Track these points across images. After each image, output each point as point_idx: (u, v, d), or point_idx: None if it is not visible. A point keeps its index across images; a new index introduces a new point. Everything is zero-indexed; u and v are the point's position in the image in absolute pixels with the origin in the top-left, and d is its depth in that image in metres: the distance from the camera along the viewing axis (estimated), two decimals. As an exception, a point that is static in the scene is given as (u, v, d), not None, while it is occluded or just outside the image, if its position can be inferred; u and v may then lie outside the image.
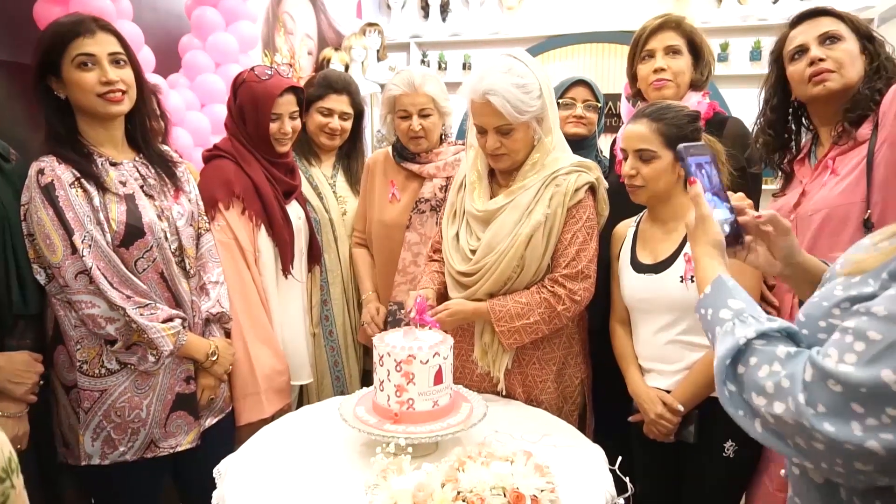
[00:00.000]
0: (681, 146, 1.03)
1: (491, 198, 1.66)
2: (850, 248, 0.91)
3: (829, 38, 1.48)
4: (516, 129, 1.55)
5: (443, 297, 1.73)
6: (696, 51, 1.86)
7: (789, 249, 1.02)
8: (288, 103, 1.82)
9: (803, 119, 1.63)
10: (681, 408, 1.52)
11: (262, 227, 1.81)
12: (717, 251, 0.95)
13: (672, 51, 1.83)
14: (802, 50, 1.51)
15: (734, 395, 0.79)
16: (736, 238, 1.01)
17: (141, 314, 1.43)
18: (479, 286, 1.61)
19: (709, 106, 1.84)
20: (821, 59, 1.47)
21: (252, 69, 1.82)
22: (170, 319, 1.48)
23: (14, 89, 2.13)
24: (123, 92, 1.44)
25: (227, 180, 1.77)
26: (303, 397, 2.11)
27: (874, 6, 3.80)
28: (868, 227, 1.38)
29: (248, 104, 1.79)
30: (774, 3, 4.05)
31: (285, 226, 1.83)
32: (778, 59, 1.59)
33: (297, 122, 1.88)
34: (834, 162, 1.49)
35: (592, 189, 1.64)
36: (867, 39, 1.50)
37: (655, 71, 1.83)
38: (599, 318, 1.78)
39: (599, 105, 2.19)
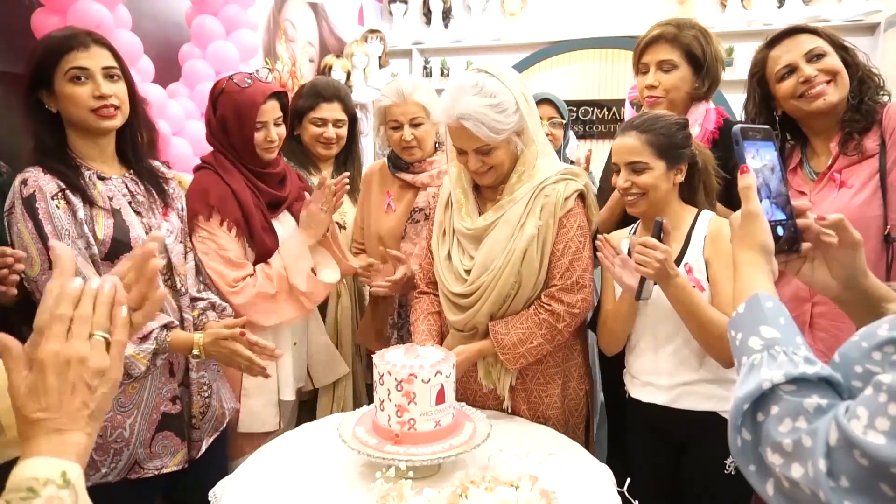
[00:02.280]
0: (737, 127, 0.85)
1: (479, 213, 1.62)
2: None
3: (815, 56, 1.53)
4: (497, 146, 1.52)
5: (442, 337, 1.70)
6: (696, 62, 1.78)
7: (853, 269, 0.85)
8: (272, 110, 1.75)
9: (786, 133, 1.71)
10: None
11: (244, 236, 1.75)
12: (763, 258, 0.79)
13: (664, 66, 1.78)
14: (792, 69, 1.55)
15: (747, 445, 0.67)
16: (791, 244, 0.84)
17: None
18: (478, 307, 1.57)
19: (717, 114, 1.81)
20: (814, 77, 1.52)
21: (230, 77, 1.75)
22: (147, 337, 1.40)
23: (11, 100, 2.11)
24: (116, 107, 1.42)
25: (203, 191, 1.71)
26: (304, 412, 2.07)
27: (881, 10, 3.77)
28: (889, 241, 1.37)
29: (231, 115, 1.72)
30: (780, 7, 4.02)
31: (266, 234, 1.76)
32: (762, 80, 1.63)
33: (283, 129, 1.80)
34: (841, 174, 1.51)
35: (581, 196, 1.61)
36: (843, 50, 1.55)
37: (647, 87, 1.81)
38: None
39: (564, 121, 2.27)
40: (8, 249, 1.28)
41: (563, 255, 1.55)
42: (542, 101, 2.25)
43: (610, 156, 2.02)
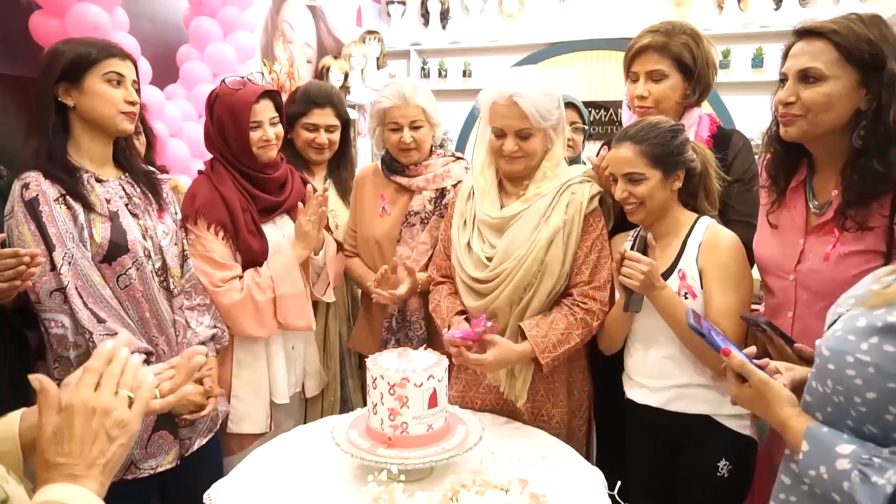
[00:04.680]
0: (691, 323, 1.05)
1: (501, 206, 1.65)
2: (852, 290, 0.92)
3: (807, 77, 1.25)
4: (535, 134, 1.57)
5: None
6: (687, 69, 1.72)
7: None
8: (265, 109, 1.77)
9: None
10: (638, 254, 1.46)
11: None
12: (796, 408, 0.93)
13: (654, 76, 1.72)
14: (783, 79, 1.32)
15: None
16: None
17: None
18: (498, 293, 1.59)
19: (710, 121, 1.81)
20: (789, 102, 1.28)
21: (223, 82, 1.78)
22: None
23: (9, 102, 2.12)
24: (136, 115, 1.51)
25: (192, 196, 1.75)
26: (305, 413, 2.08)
27: (877, 14, 3.77)
28: None
29: (226, 117, 1.74)
30: (776, 9, 4.03)
31: (253, 238, 1.76)
32: None
33: (279, 128, 1.81)
34: (840, 236, 1.28)
35: (601, 199, 1.65)
36: (873, 69, 1.20)
37: (637, 97, 1.75)
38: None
39: (584, 127, 2.24)
40: (21, 250, 1.30)
41: (591, 253, 1.59)
42: (566, 106, 2.20)
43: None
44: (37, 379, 0.71)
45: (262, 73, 1.85)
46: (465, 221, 1.69)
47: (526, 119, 1.53)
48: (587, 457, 1.73)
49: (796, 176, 1.42)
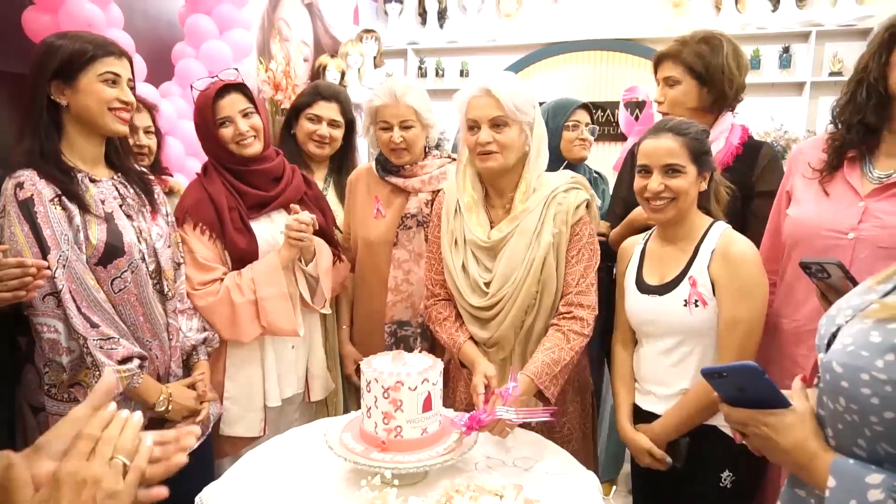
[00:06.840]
0: (754, 374, 0.91)
1: (491, 221, 1.62)
2: (845, 300, 0.89)
3: None
4: (510, 125, 1.52)
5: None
6: (700, 76, 1.85)
7: None
8: (232, 103, 1.72)
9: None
10: (669, 460, 1.51)
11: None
12: (821, 440, 0.88)
13: (669, 82, 1.91)
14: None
15: None
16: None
17: (101, 347, 1.38)
18: (501, 319, 1.57)
19: (742, 130, 1.86)
20: None
21: (191, 86, 1.78)
22: (127, 360, 1.41)
23: (1, 99, 2.10)
24: (129, 113, 1.48)
25: (182, 198, 1.75)
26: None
27: (874, 15, 3.78)
28: None
29: (197, 118, 1.74)
30: (774, 11, 4.03)
31: (240, 235, 1.73)
32: None
33: (255, 120, 1.74)
34: None
35: (587, 205, 1.63)
36: None
37: (656, 101, 1.97)
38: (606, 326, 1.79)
39: (594, 126, 2.32)
40: (28, 260, 1.27)
41: (577, 262, 1.57)
42: (581, 107, 2.26)
43: (626, 165, 2.06)
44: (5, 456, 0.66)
45: (237, 69, 1.81)
46: (455, 241, 1.64)
47: (500, 107, 1.50)
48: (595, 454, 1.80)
49: (857, 148, 1.44)
